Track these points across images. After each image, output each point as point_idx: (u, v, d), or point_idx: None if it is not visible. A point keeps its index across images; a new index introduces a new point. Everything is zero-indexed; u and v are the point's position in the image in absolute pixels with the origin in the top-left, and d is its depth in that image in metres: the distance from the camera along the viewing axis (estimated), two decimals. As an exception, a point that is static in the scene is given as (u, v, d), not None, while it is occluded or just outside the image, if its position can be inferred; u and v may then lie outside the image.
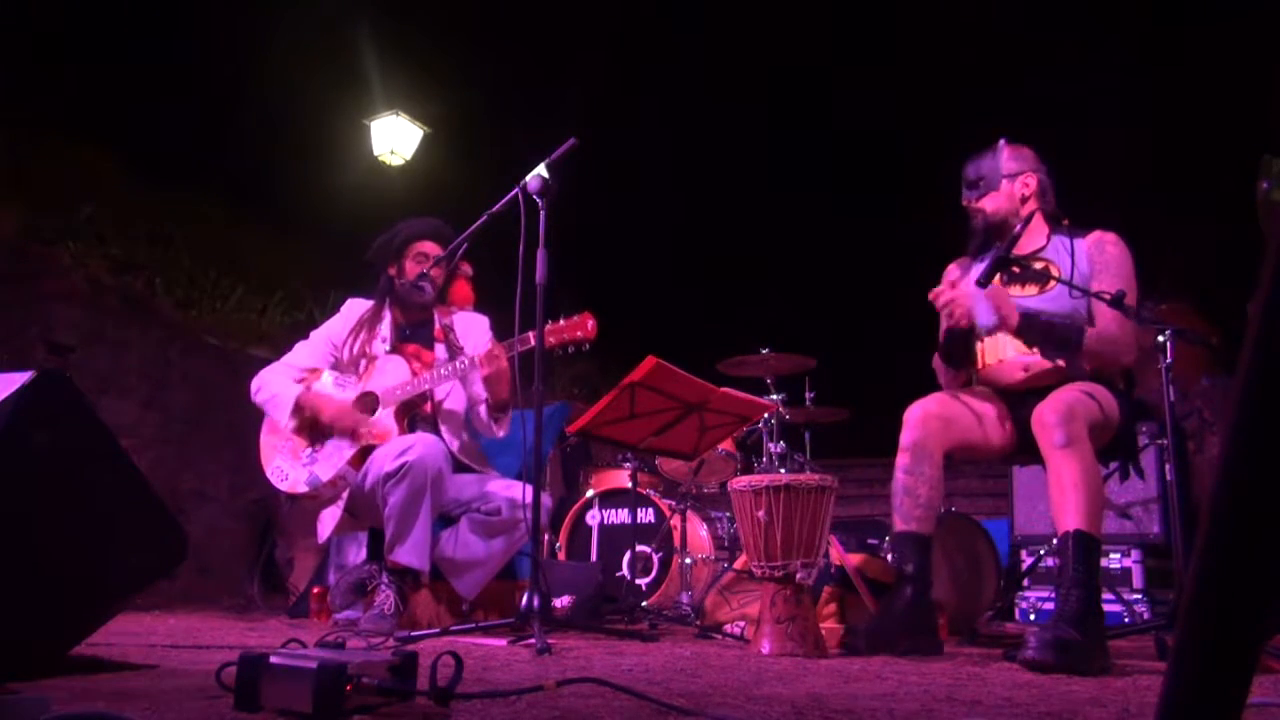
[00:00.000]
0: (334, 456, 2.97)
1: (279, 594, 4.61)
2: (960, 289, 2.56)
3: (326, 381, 3.10)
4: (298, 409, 3.00)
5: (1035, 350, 2.56)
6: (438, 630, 2.61)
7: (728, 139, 10.69)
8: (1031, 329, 2.51)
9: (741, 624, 2.90)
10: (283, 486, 2.99)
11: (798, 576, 2.34)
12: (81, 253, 4.99)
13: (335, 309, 3.40)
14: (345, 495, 2.96)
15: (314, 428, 3.01)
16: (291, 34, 8.19)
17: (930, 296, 2.59)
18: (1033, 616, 4.52)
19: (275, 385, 3.08)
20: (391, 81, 9.05)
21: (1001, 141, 2.77)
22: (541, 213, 2.67)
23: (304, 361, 3.17)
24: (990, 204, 2.72)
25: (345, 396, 3.04)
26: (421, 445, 2.78)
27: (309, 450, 3.01)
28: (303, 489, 2.96)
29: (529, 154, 2.74)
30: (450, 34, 9.50)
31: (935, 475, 2.52)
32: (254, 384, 3.12)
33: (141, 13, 7.59)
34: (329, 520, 2.99)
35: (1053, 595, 4.21)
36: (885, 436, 2.80)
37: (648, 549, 4.41)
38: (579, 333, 2.80)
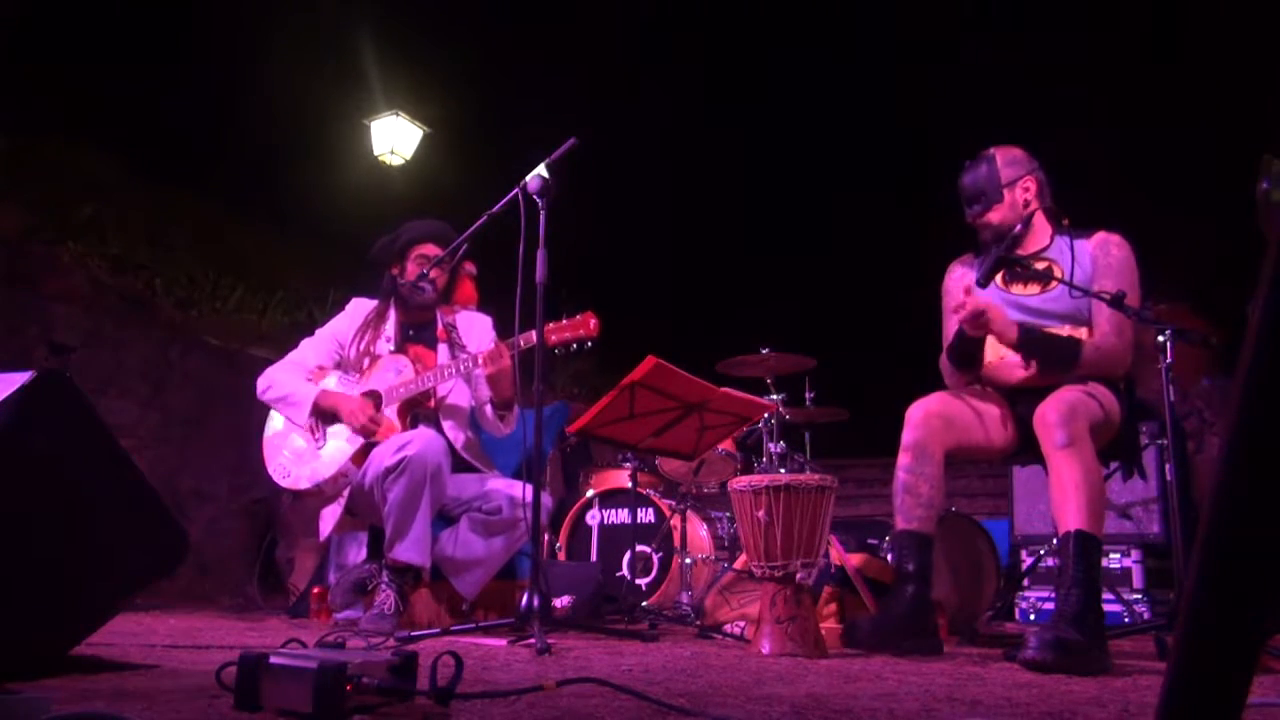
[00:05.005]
0: (336, 453, 2.97)
1: (279, 594, 4.60)
2: (982, 300, 2.55)
3: (331, 382, 3.11)
4: (316, 409, 3.03)
5: (1032, 365, 2.55)
6: (438, 630, 2.61)
7: (728, 138, 10.70)
8: (1030, 344, 2.51)
9: (741, 624, 2.89)
10: (285, 483, 3.00)
11: (798, 576, 2.34)
12: (81, 253, 4.99)
13: (335, 309, 3.40)
14: (346, 493, 2.97)
15: (330, 421, 3.04)
16: (292, 34, 8.20)
17: (953, 308, 2.55)
18: (1033, 616, 4.52)
19: (289, 384, 3.09)
20: (391, 81, 9.06)
21: (993, 151, 2.74)
22: (541, 213, 2.67)
23: (310, 359, 3.17)
24: (997, 216, 2.70)
25: (357, 394, 3.06)
26: (420, 440, 2.78)
27: (311, 447, 3.02)
28: (305, 485, 2.97)
29: (529, 154, 2.74)
30: (450, 34, 9.50)
31: (937, 474, 2.52)
32: (261, 382, 3.12)
33: (142, 13, 7.59)
34: (330, 518, 2.99)
35: (1053, 595, 4.21)
36: (885, 436, 2.80)
37: (648, 549, 4.41)
38: (581, 332, 2.80)
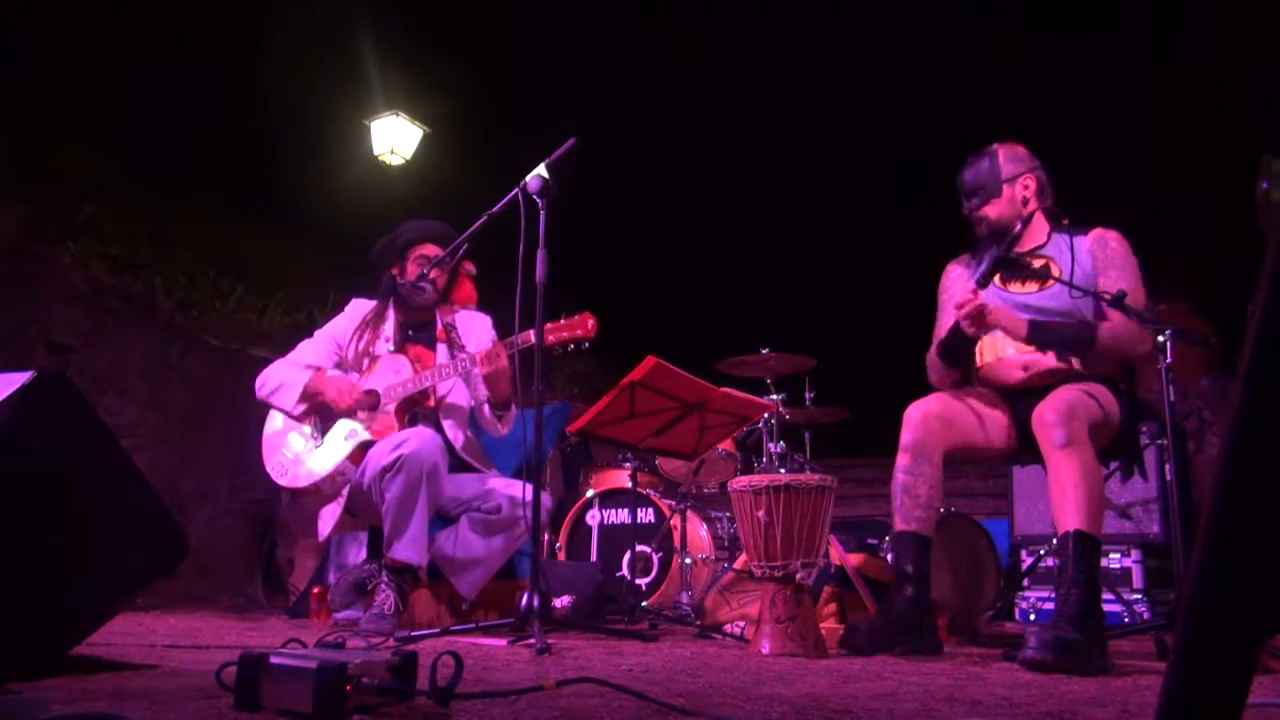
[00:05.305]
0: (333, 451, 2.97)
1: (279, 594, 4.60)
2: (982, 298, 2.55)
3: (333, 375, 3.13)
4: (306, 395, 3.03)
5: (1049, 353, 2.54)
6: (438, 630, 2.61)
7: (727, 138, 10.69)
8: (1043, 337, 2.51)
9: (741, 624, 2.90)
10: (283, 481, 3.00)
11: (798, 576, 2.34)
12: (81, 253, 4.99)
13: (335, 309, 3.40)
14: (345, 492, 2.97)
15: (323, 410, 3.04)
16: (292, 34, 8.20)
17: (959, 304, 2.53)
18: (1033, 616, 4.52)
19: (281, 375, 3.11)
20: (391, 81, 9.06)
21: (996, 147, 2.76)
22: (541, 213, 2.67)
23: (308, 359, 3.18)
24: (994, 211, 2.71)
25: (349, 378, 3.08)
26: (417, 439, 2.78)
27: (309, 445, 3.02)
28: (303, 484, 2.97)
29: (529, 154, 2.74)
30: (450, 34, 9.50)
31: (935, 475, 2.52)
32: (259, 380, 3.13)
33: (142, 12, 7.59)
34: (329, 518, 2.99)
35: (1053, 595, 4.21)
36: (885, 436, 2.80)
37: (648, 549, 4.41)
38: (579, 331, 2.81)
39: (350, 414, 3.01)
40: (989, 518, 4.63)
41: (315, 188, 8.18)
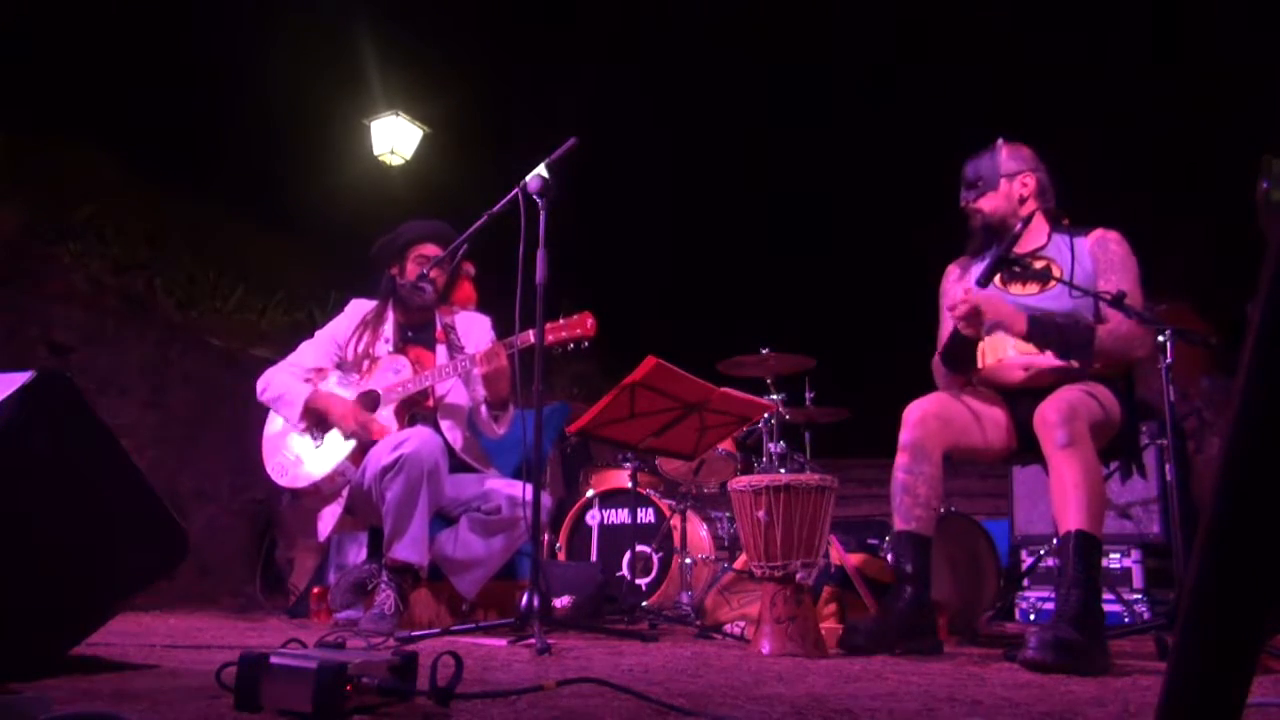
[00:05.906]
0: (333, 452, 2.97)
1: (279, 594, 4.61)
2: (980, 295, 2.55)
3: (331, 382, 3.12)
4: (307, 411, 3.02)
5: (1046, 352, 2.54)
6: (438, 630, 2.61)
7: (728, 138, 10.70)
8: (1042, 334, 2.50)
9: (741, 624, 2.89)
10: (282, 482, 3.00)
11: (798, 576, 2.34)
12: (81, 253, 4.99)
13: (335, 309, 3.40)
14: (345, 492, 2.97)
15: (323, 425, 3.03)
16: (292, 34, 8.20)
17: (950, 305, 2.54)
18: (1033, 616, 4.52)
19: (283, 384, 3.09)
20: (391, 81, 9.06)
21: (999, 141, 2.77)
22: (542, 213, 2.67)
23: (309, 360, 3.18)
24: (988, 204, 2.72)
25: (350, 395, 3.06)
26: (417, 439, 2.78)
27: (309, 446, 3.02)
28: (302, 484, 2.97)
29: (529, 154, 2.74)
30: (451, 34, 9.50)
31: (934, 474, 2.52)
32: (260, 383, 3.13)
33: (142, 12, 7.59)
34: (329, 518, 2.99)
35: (1053, 595, 4.21)
36: (885, 436, 2.80)
37: (648, 549, 4.41)
38: (578, 331, 2.81)
39: (356, 434, 2.99)
40: (989, 518, 4.63)
41: (315, 188, 8.17)
